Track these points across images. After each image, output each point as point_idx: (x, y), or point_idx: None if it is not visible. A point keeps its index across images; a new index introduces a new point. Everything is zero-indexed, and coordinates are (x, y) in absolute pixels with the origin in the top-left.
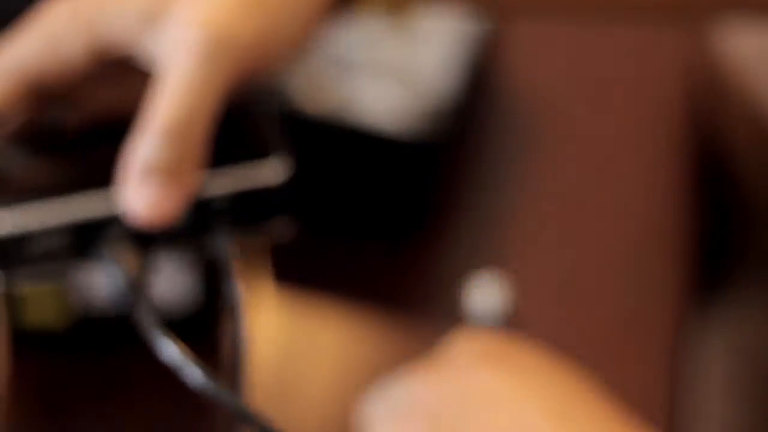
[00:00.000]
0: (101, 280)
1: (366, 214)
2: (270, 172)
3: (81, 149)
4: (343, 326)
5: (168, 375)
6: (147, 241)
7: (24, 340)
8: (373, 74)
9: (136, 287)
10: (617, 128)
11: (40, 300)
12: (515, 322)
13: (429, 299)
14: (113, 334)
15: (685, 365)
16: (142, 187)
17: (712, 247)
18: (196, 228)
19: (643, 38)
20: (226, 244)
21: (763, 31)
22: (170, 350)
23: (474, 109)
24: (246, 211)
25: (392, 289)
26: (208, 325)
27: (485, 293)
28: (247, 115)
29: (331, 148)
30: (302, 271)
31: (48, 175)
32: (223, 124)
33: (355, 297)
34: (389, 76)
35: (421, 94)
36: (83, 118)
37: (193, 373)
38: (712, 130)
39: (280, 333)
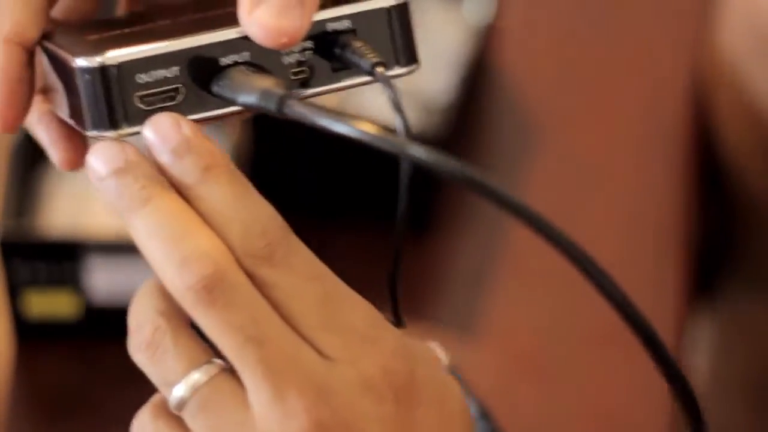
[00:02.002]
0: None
1: (365, 209)
2: None
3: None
4: None
5: None
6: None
7: (35, 330)
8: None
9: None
10: (616, 126)
11: (52, 290)
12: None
13: (430, 293)
14: (124, 324)
15: (686, 365)
16: (263, 6)
17: (710, 247)
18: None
19: (642, 37)
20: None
21: (757, 25)
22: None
23: (473, 105)
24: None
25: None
26: None
27: None
28: None
29: (331, 143)
30: None
31: (151, 30)
32: None
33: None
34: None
35: (420, 90)
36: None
37: None
38: (711, 128)
39: None
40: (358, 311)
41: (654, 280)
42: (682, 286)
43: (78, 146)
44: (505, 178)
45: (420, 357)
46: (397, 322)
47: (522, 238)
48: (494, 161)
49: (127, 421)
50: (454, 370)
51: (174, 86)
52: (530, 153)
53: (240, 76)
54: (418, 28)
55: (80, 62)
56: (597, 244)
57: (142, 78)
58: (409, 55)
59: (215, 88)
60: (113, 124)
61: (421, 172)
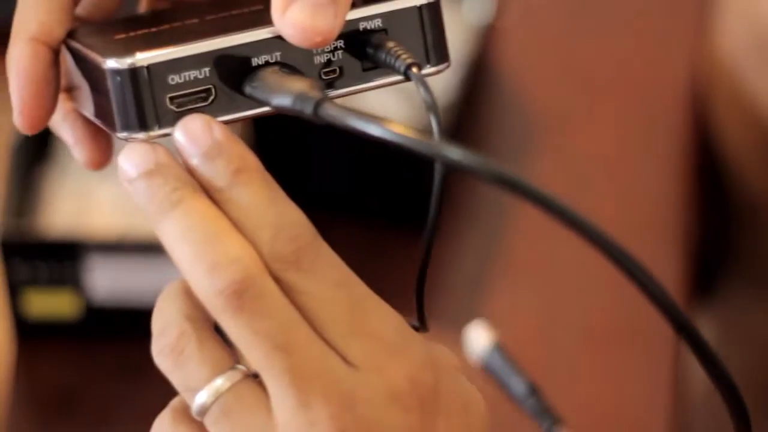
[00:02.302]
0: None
1: (369, 208)
2: None
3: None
4: None
5: None
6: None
7: (35, 330)
8: None
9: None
10: (615, 127)
11: (52, 290)
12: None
13: (429, 293)
14: (125, 323)
15: (685, 365)
16: (297, 5)
17: (709, 247)
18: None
19: (641, 37)
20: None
21: (756, 28)
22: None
23: (473, 105)
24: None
25: (393, 282)
26: None
27: (478, 339)
28: None
29: (332, 142)
30: None
31: (180, 30)
32: None
33: None
34: None
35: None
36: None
37: None
38: (709, 129)
39: None
40: (386, 319)
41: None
42: (681, 286)
43: (103, 145)
44: None
45: (444, 366)
46: (421, 327)
47: (521, 238)
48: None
49: (127, 421)
50: (501, 348)
51: (205, 87)
52: (530, 153)
53: (273, 77)
54: None
55: (110, 63)
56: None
57: (174, 79)
58: (440, 54)
59: (248, 90)
60: (144, 126)
61: (422, 171)
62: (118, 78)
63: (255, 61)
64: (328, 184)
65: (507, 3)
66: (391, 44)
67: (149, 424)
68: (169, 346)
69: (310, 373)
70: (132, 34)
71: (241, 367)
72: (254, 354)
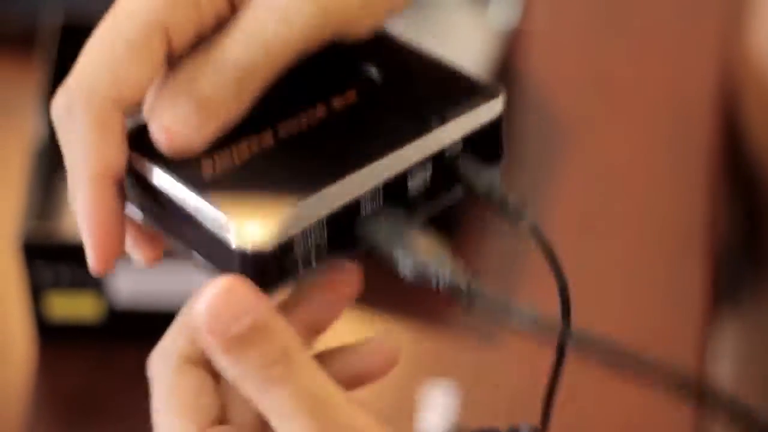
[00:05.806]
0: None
1: None
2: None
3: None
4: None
5: None
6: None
7: (57, 332)
8: None
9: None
10: (643, 130)
11: (75, 293)
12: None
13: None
14: (147, 326)
15: (711, 367)
16: (172, 104)
17: (736, 251)
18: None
19: (668, 39)
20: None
21: None
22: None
23: None
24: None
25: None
26: None
27: (437, 408)
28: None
29: None
30: None
31: (269, 162)
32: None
33: (373, 293)
34: None
35: None
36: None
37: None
38: (739, 130)
39: None
40: None
41: (679, 284)
42: (707, 290)
43: (157, 244)
44: (532, 182)
45: None
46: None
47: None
48: (520, 166)
49: (148, 423)
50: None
51: (318, 244)
52: (556, 157)
53: (419, 241)
54: (443, 32)
55: (233, 240)
56: (622, 248)
57: (294, 254)
58: (504, 151)
59: (400, 268)
60: (265, 290)
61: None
62: (242, 258)
63: (363, 211)
64: None
65: (532, 7)
66: (505, 193)
67: None
68: None
69: None
70: (217, 162)
71: None
72: None
